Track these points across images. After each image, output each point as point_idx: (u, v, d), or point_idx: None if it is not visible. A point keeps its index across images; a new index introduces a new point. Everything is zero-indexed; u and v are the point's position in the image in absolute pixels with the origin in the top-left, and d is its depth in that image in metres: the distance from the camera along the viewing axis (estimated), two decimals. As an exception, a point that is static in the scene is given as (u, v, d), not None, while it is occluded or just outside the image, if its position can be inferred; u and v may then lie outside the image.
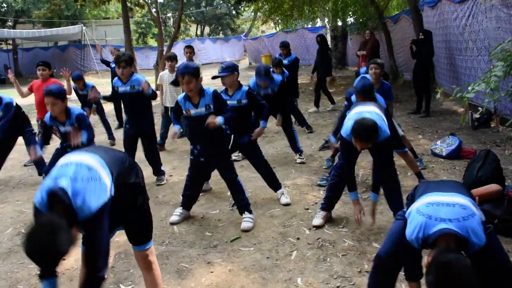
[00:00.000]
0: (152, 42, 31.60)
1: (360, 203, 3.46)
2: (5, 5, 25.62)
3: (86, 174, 1.96)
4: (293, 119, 7.35)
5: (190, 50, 7.30)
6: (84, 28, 22.12)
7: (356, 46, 17.05)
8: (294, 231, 3.58)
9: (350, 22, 17.77)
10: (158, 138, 6.66)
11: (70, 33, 22.87)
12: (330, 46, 9.98)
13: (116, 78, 4.82)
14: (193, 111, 3.61)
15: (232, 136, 4.28)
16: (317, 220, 3.64)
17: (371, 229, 3.52)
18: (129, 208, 2.26)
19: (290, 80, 7.41)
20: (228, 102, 4.01)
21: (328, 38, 20.38)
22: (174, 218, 3.90)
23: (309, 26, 25.51)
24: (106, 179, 2.02)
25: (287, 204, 4.13)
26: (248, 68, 23.85)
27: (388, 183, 3.37)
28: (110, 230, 2.09)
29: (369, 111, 3.24)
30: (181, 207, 3.96)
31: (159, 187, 4.92)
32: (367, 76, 6.06)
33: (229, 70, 4.01)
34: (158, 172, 5.06)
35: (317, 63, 9.38)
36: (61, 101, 3.82)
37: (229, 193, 4.09)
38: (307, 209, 4.02)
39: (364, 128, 2.96)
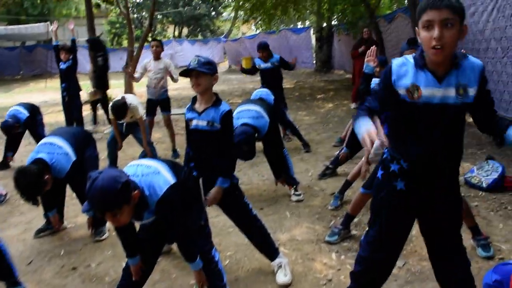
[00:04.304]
0: (127, 44, 29.87)
1: None
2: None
3: None
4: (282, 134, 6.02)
5: (157, 44, 5.87)
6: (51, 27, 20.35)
7: (345, 47, 15.83)
8: None
9: (336, 23, 16.51)
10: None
11: (35, 32, 21.09)
12: (105, 49, 8.17)
13: None
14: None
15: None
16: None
17: None
18: None
19: (276, 86, 6.08)
20: (194, 122, 2.62)
21: (313, 39, 19.13)
22: None
23: (292, 27, 24.31)
24: None
25: (285, 286, 2.71)
26: (228, 71, 22.41)
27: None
28: None
29: None
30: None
31: (97, 246, 3.44)
32: None
33: (210, 68, 2.54)
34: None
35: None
36: None
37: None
38: (317, 294, 2.61)
39: None
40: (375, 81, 3.39)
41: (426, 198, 1.91)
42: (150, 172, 2.09)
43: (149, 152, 5.16)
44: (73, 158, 3.30)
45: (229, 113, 2.62)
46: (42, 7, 24.36)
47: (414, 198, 1.91)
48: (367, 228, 3.41)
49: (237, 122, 3.76)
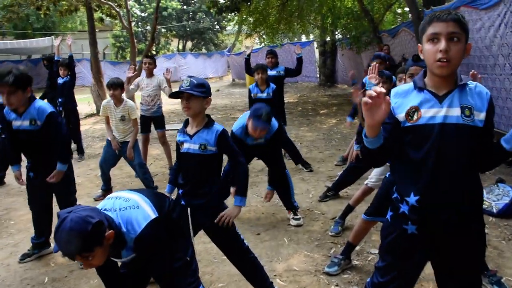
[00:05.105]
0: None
1: None
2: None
3: None
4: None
5: (150, 61, 5.72)
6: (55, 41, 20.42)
7: (348, 61, 15.72)
8: None
9: (339, 37, 16.43)
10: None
11: (40, 46, 21.28)
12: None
13: None
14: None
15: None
16: None
17: None
18: None
19: (277, 99, 5.86)
20: (185, 145, 2.47)
21: (316, 53, 19.03)
22: None
23: (295, 41, 24.29)
24: None
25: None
26: (232, 85, 22.33)
27: None
28: None
29: None
30: None
31: (83, 274, 3.24)
32: None
33: (202, 91, 2.39)
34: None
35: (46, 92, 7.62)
36: None
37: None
38: (315, 337, 2.40)
39: None
40: (370, 85, 3.28)
41: (440, 240, 1.71)
42: (128, 206, 1.90)
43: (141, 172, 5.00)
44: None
45: (224, 131, 2.48)
46: (46, 21, 24.50)
47: (427, 241, 1.72)
48: (369, 258, 3.23)
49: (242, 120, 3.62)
